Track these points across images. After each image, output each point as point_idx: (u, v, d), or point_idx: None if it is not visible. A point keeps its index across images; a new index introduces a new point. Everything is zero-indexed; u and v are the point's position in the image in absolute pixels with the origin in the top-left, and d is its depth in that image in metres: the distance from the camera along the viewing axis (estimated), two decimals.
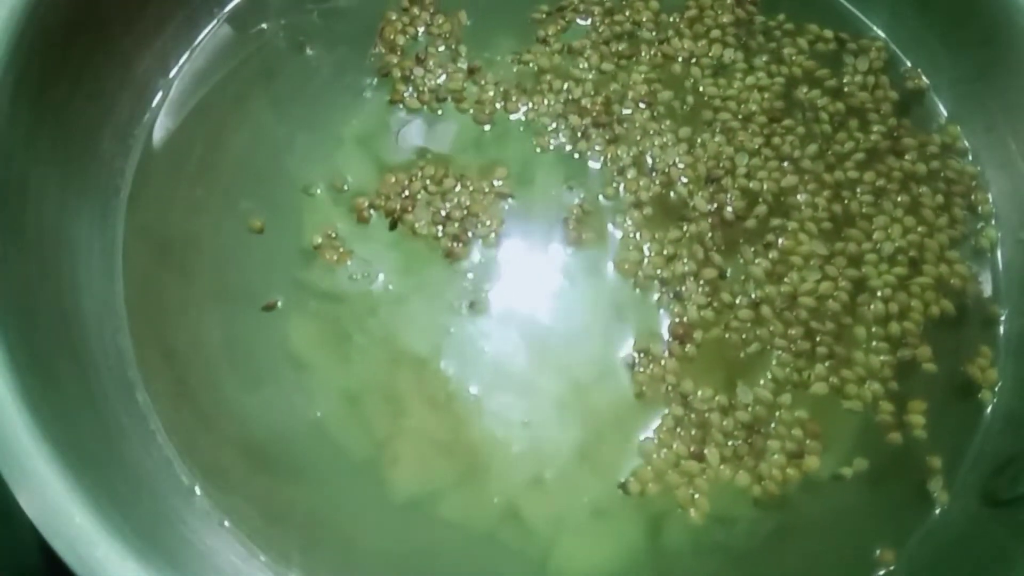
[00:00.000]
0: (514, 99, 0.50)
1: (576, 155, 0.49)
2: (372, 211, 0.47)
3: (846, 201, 0.49)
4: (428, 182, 0.48)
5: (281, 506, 0.42)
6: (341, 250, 0.46)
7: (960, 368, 0.46)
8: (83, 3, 0.43)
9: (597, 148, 0.49)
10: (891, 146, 0.50)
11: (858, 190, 0.49)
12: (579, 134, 0.50)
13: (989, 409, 0.45)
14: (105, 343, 0.44)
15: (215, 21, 0.52)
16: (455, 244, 0.47)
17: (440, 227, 0.47)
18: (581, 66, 0.52)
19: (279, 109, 0.50)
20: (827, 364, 0.45)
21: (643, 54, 0.52)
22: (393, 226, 0.47)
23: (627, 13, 0.53)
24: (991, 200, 0.50)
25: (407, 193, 0.48)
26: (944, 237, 0.48)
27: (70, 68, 0.43)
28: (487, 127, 0.50)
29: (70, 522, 0.33)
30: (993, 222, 0.49)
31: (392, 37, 0.52)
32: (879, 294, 0.47)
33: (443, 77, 0.51)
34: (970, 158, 0.51)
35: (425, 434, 0.43)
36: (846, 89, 0.52)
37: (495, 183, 0.48)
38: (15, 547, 0.41)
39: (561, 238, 0.47)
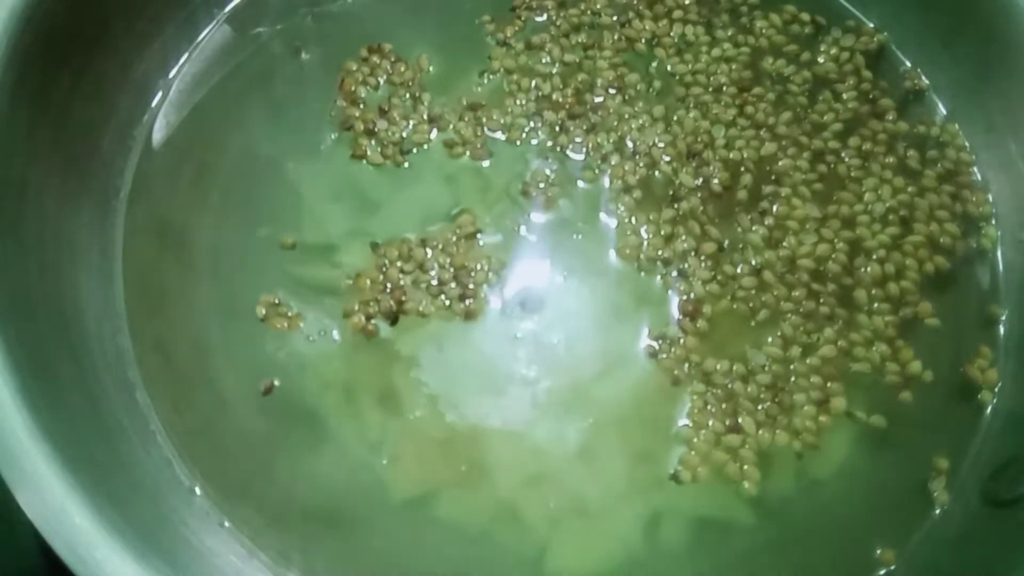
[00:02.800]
0: (485, 120, 0.49)
1: (558, 149, 0.49)
2: (372, 323, 0.45)
3: (832, 165, 0.49)
4: (400, 264, 0.46)
5: (281, 506, 0.42)
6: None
7: (960, 368, 0.46)
8: (83, 3, 0.43)
9: (577, 140, 0.49)
10: (870, 110, 0.51)
11: (843, 155, 0.50)
12: (557, 129, 0.50)
13: (989, 409, 0.45)
14: (105, 343, 0.44)
15: (215, 22, 0.52)
16: (467, 303, 0.45)
17: (442, 296, 0.46)
18: (544, 60, 0.52)
19: (277, 110, 0.50)
20: (835, 328, 0.46)
21: (605, 40, 0.52)
22: (394, 322, 0.45)
23: (582, 6, 0.53)
24: (991, 200, 0.50)
25: (390, 286, 0.46)
26: (935, 197, 0.49)
27: (70, 68, 0.43)
28: (486, 163, 0.49)
29: (70, 522, 0.33)
30: (993, 222, 0.49)
31: (353, 89, 0.50)
32: (874, 256, 0.47)
33: (408, 129, 0.49)
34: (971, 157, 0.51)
35: (425, 433, 0.43)
36: (820, 60, 0.52)
37: (457, 229, 0.47)
38: (15, 547, 0.41)
39: (557, 241, 0.48)
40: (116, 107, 0.47)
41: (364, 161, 0.49)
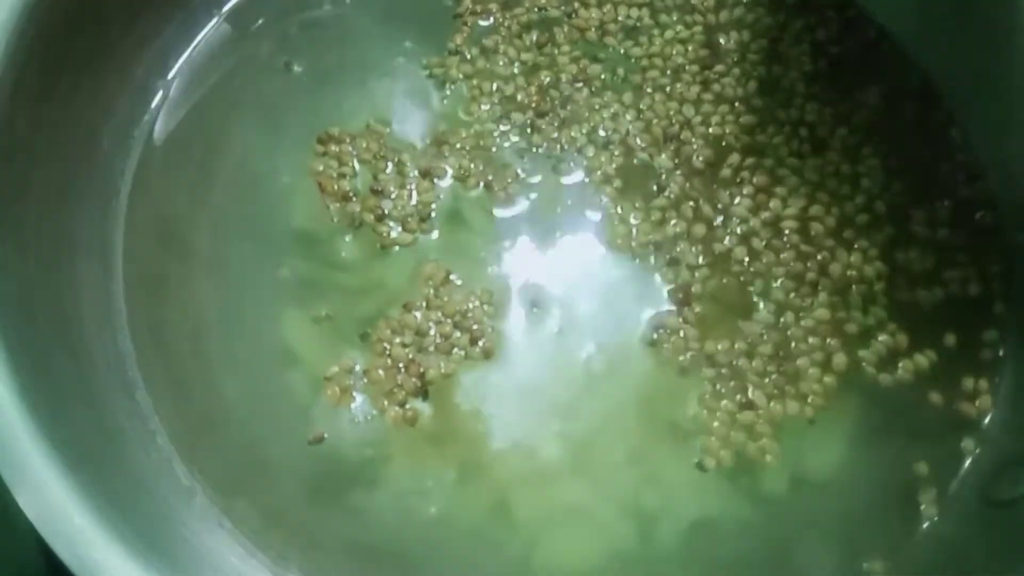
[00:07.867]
0: (459, 144, 0.49)
1: (532, 149, 0.49)
2: (408, 408, 0.44)
3: (812, 128, 0.50)
4: (398, 340, 0.44)
5: (280, 506, 0.42)
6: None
7: (960, 369, 0.46)
8: (83, 3, 0.43)
9: (553, 136, 0.49)
10: (837, 72, 0.51)
11: (817, 118, 0.50)
12: (528, 129, 0.49)
13: (989, 411, 0.45)
14: (105, 343, 0.44)
15: (214, 21, 0.52)
16: (481, 344, 0.45)
17: (455, 348, 0.45)
18: (501, 63, 0.51)
19: (275, 111, 0.50)
20: (827, 291, 0.46)
21: (557, 34, 0.52)
22: (426, 396, 0.44)
23: (527, 3, 0.52)
24: (991, 200, 0.50)
25: (402, 365, 0.44)
26: (909, 178, 0.49)
27: (70, 68, 0.43)
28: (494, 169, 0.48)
29: (70, 523, 0.33)
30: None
31: (335, 188, 0.48)
32: (857, 218, 0.48)
33: (412, 194, 0.47)
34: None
35: (422, 431, 0.44)
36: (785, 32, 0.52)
37: (429, 281, 0.46)
38: (15, 548, 0.41)
39: (548, 241, 0.48)
40: (116, 107, 0.47)
41: (396, 248, 0.47)
